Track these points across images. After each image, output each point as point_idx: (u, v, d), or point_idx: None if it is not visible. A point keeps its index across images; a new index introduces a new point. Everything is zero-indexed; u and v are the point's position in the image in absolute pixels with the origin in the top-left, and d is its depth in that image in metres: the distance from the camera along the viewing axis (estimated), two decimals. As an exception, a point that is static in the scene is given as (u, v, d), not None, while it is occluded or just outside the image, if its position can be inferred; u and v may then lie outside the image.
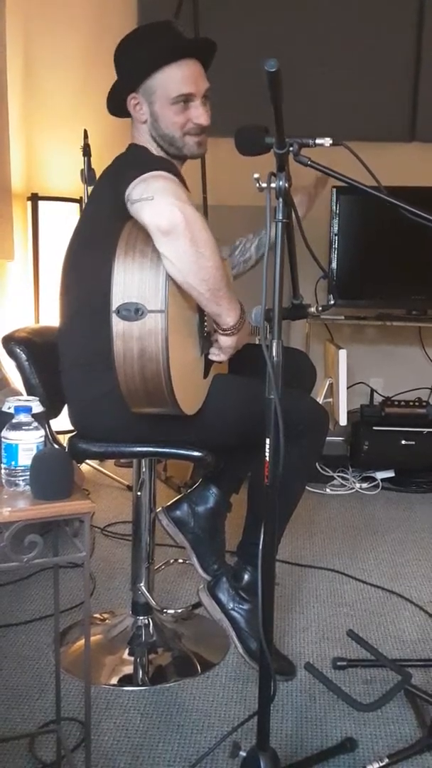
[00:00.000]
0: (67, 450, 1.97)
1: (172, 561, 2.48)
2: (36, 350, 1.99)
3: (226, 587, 2.07)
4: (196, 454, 1.94)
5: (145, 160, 1.81)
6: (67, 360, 1.96)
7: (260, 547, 1.43)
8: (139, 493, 2.19)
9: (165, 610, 2.24)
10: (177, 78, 1.90)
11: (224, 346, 1.86)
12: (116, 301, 1.60)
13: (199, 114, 1.93)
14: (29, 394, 1.96)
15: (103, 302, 1.69)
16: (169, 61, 1.89)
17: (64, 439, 2.25)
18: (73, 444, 1.96)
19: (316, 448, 2.03)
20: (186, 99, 1.91)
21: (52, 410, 1.99)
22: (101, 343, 1.82)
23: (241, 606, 2.05)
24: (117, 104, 2.00)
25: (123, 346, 1.61)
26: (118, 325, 1.60)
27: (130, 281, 1.61)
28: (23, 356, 1.97)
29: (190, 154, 1.99)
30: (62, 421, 2.05)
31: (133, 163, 1.81)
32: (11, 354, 1.99)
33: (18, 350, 1.97)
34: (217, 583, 2.08)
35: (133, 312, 1.59)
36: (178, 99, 1.90)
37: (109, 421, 1.89)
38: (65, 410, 2.02)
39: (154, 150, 1.96)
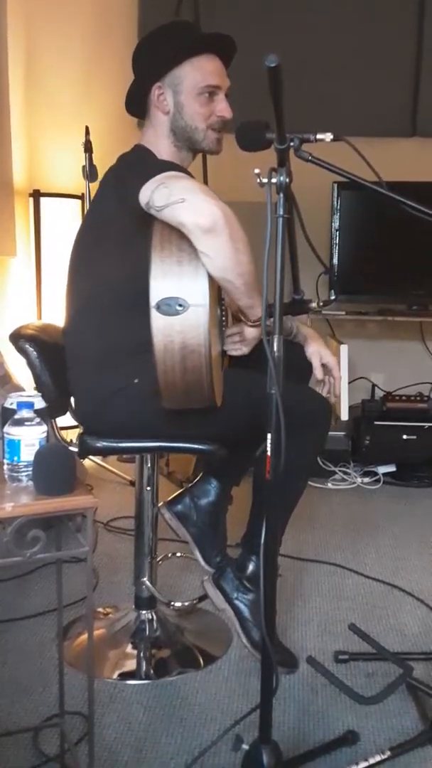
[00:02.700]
0: (78, 446, 1.97)
1: (170, 555, 2.49)
2: (45, 347, 1.99)
3: (230, 577, 2.08)
4: (207, 447, 1.94)
5: (150, 164, 1.81)
6: (76, 357, 1.96)
7: (262, 540, 1.44)
8: (145, 488, 2.20)
9: (171, 603, 2.25)
10: (206, 69, 1.91)
11: (250, 338, 1.89)
12: (155, 297, 1.60)
13: (224, 108, 1.94)
14: (39, 391, 1.95)
15: (114, 300, 1.69)
16: (198, 53, 1.91)
17: (68, 435, 2.25)
18: (83, 440, 1.96)
19: (318, 441, 2.04)
20: (212, 92, 1.92)
21: (61, 407, 1.99)
22: (112, 340, 1.83)
23: (245, 596, 2.05)
24: (134, 100, 2.00)
25: (164, 340, 1.62)
26: (158, 320, 1.61)
27: (168, 276, 1.61)
28: (34, 353, 1.96)
29: (208, 149, 1.99)
30: (67, 417, 2.06)
31: (137, 166, 1.81)
32: (21, 351, 1.98)
33: (28, 347, 1.96)
34: (222, 574, 2.09)
35: (175, 306, 1.60)
36: (205, 90, 1.91)
37: (121, 417, 1.89)
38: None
39: (166, 147, 1.96)
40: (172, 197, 1.63)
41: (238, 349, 1.92)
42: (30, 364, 1.97)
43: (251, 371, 2.00)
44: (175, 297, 1.60)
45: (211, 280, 1.67)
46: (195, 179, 1.75)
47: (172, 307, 1.60)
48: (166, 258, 1.62)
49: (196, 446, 1.96)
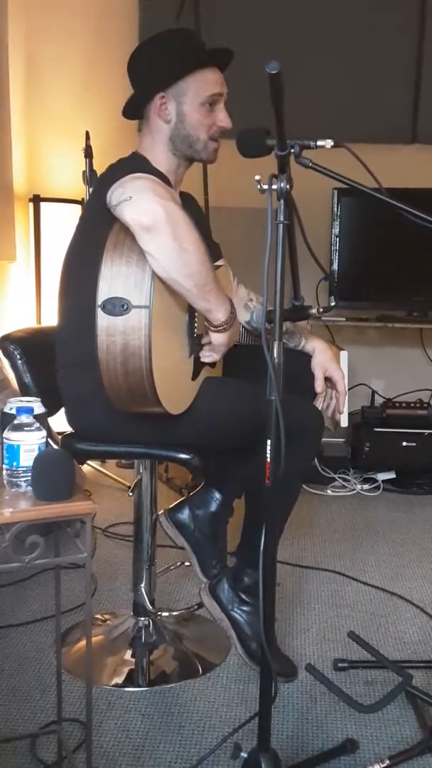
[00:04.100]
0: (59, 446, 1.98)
1: (178, 563, 2.49)
2: (31, 350, 2.00)
3: (226, 588, 2.07)
4: (182, 456, 1.94)
5: (126, 167, 1.81)
6: (60, 359, 1.98)
7: (261, 549, 1.43)
8: (131, 494, 2.20)
9: (159, 613, 2.24)
10: (209, 81, 1.94)
11: (216, 344, 1.86)
12: (102, 296, 1.60)
13: (223, 117, 1.96)
14: (22, 392, 1.97)
15: (90, 303, 1.69)
16: (202, 66, 1.93)
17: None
18: (63, 442, 1.98)
19: (311, 450, 2.03)
20: (214, 101, 1.94)
21: (47, 409, 2.00)
22: (89, 343, 1.83)
23: (241, 608, 2.05)
24: (133, 105, 2.00)
25: (107, 340, 1.61)
26: (102, 319, 1.61)
27: (116, 277, 1.61)
28: (16, 355, 1.98)
29: (206, 158, 2.01)
30: (64, 422, 2.06)
31: (122, 169, 1.81)
32: (5, 353, 2.00)
33: (11, 349, 1.98)
34: (218, 584, 2.08)
35: (119, 307, 1.59)
36: (208, 99, 1.93)
37: (99, 420, 1.90)
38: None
39: (162, 154, 1.97)
40: (123, 196, 1.64)
41: (209, 356, 1.90)
42: (13, 365, 1.99)
43: (234, 379, 2.00)
44: (120, 297, 1.59)
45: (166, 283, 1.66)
46: (158, 181, 1.74)
47: (116, 307, 1.59)
48: (117, 258, 1.62)
49: (170, 454, 1.96)
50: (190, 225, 1.66)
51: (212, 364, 1.96)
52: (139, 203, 1.61)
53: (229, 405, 1.92)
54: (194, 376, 1.92)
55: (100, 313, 1.60)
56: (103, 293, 1.60)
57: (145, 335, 1.60)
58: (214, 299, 1.75)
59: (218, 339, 1.84)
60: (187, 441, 1.93)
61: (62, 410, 2.03)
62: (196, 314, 1.89)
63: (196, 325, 1.91)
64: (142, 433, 1.92)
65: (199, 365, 1.93)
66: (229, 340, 1.85)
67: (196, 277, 1.67)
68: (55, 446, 1.79)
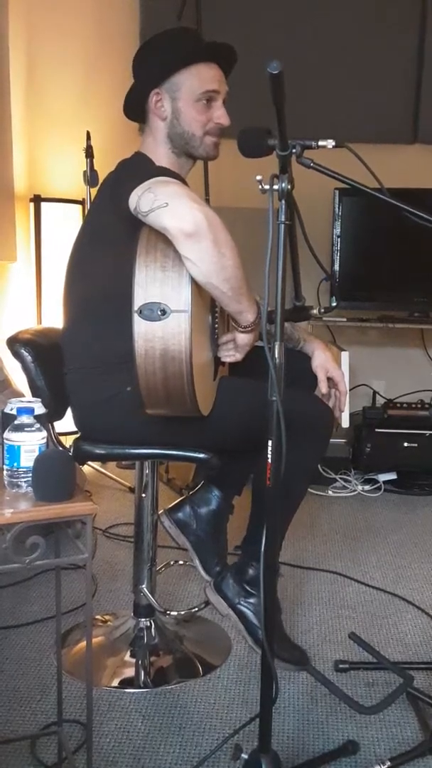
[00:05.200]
0: (72, 452, 1.97)
1: (172, 563, 2.48)
2: (41, 351, 1.99)
3: (231, 583, 2.07)
4: (201, 456, 1.94)
5: (144, 170, 1.81)
6: (72, 362, 1.96)
7: (262, 549, 1.43)
8: (142, 495, 2.19)
9: (167, 612, 2.24)
10: (204, 76, 1.92)
11: (242, 344, 1.87)
12: (138, 302, 1.60)
13: (221, 114, 1.94)
14: (35, 395, 1.95)
15: (108, 306, 1.68)
16: (198, 60, 1.91)
17: (67, 441, 2.25)
18: (78, 446, 1.96)
19: (319, 449, 2.03)
20: (210, 98, 1.93)
21: (56, 412, 1.99)
22: (106, 346, 1.82)
23: (247, 600, 2.05)
24: (133, 105, 2.00)
25: (144, 345, 1.61)
26: (140, 325, 1.60)
27: (151, 282, 1.60)
28: (29, 358, 1.96)
29: (206, 154, 1.99)
30: (66, 423, 2.05)
31: (132, 171, 1.81)
32: (17, 355, 1.98)
33: (24, 351, 1.96)
34: (222, 580, 2.08)
35: (157, 312, 1.59)
36: (203, 96, 1.92)
37: (114, 423, 1.89)
38: (69, 412, 2.02)
39: (164, 154, 1.96)
40: (156, 202, 1.63)
41: (231, 355, 1.91)
42: (25, 368, 1.97)
43: (248, 379, 2.00)
44: (158, 303, 1.59)
45: (200, 287, 1.66)
46: (185, 185, 1.74)
47: (154, 312, 1.59)
48: (150, 263, 1.62)
49: (189, 454, 1.95)
50: (226, 229, 1.66)
51: (224, 363, 1.96)
52: (178, 210, 1.61)
53: (244, 406, 1.92)
54: (214, 376, 1.93)
55: (136, 318, 1.60)
56: (139, 299, 1.60)
57: (186, 339, 1.60)
58: (246, 301, 1.77)
59: (244, 339, 1.86)
60: (200, 441, 1.93)
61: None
62: (216, 314, 1.90)
63: (216, 325, 1.91)
64: (156, 434, 1.91)
65: (216, 364, 1.94)
66: (253, 340, 1.86)
67: (233, 281, 1.69)
68: (58, 448, 1.79)
